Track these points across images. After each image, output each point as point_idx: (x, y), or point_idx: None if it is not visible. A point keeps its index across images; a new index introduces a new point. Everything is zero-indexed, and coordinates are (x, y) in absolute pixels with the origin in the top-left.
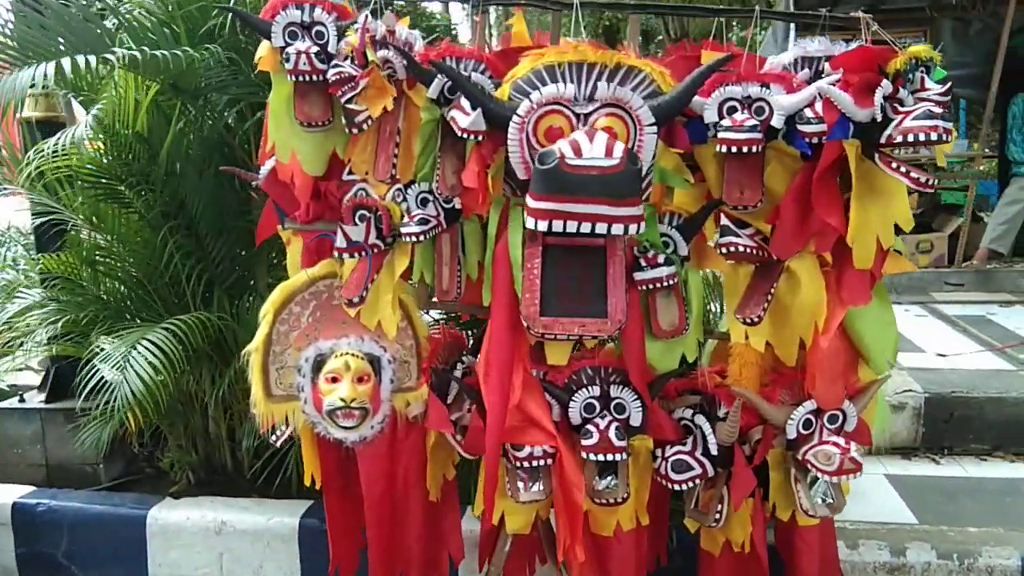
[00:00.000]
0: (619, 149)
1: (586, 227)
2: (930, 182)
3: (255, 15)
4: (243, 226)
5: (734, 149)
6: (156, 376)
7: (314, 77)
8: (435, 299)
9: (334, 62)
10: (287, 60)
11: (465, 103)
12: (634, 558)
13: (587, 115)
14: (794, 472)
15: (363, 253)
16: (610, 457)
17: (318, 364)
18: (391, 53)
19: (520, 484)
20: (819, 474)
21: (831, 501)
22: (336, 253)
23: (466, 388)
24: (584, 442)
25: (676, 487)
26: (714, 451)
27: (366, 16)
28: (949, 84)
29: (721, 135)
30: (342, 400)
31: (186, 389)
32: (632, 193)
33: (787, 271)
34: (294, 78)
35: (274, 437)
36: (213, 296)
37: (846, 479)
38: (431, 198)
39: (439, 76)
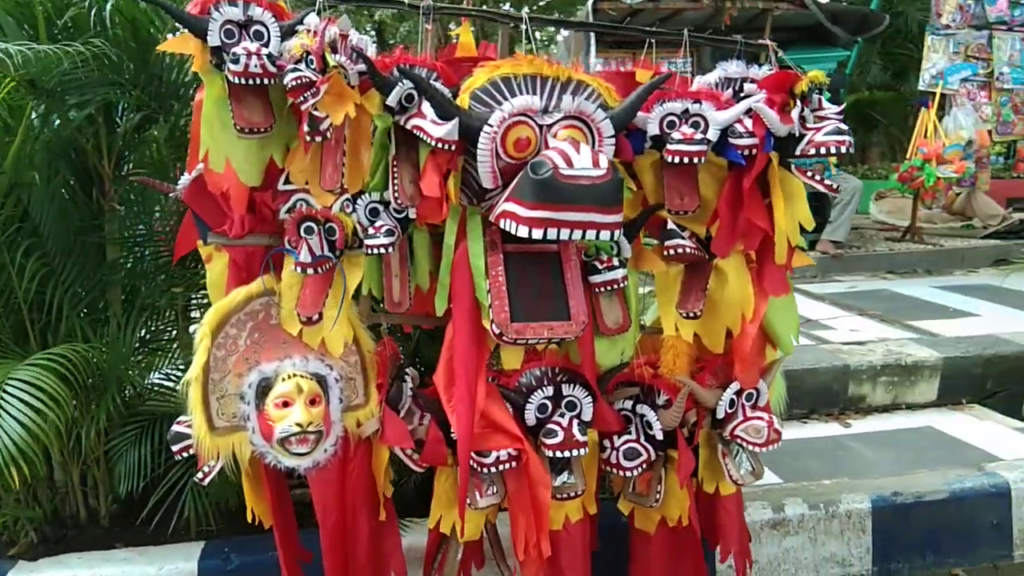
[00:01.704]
0: (604, 160)
1: (577, 234)
2: (838, 187)
3: (179, 8)
4: (93, 244)
5: (685, 160)
6: (42, 420)
7: (265, 81)
8: (385, 311)
9: (291, 65)
10: (235, 61)
11: (428, 111)
12: (582, 547)
13: (548, 126)
14: (721, 447)
15: (324, 267)
16: (574, 453)
17: (263, 389)
18: (343, 58)
19: (476, 491)
20: (750, 447)
21: (752, 468)
22: (298, 268)
23: (424, 399)
24: (549, 441)
25: (627, 474)
26: (659, 436)
27: (327, 18)
28: (843, 105)
29: (672, 147)
30: (298, 425)
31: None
32: (618, 201)
33: (716, 269)
34: (242, 80)
35: (201, 475)
36: (62, 325)
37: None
38: (381, 208)
39: (400, 84)
